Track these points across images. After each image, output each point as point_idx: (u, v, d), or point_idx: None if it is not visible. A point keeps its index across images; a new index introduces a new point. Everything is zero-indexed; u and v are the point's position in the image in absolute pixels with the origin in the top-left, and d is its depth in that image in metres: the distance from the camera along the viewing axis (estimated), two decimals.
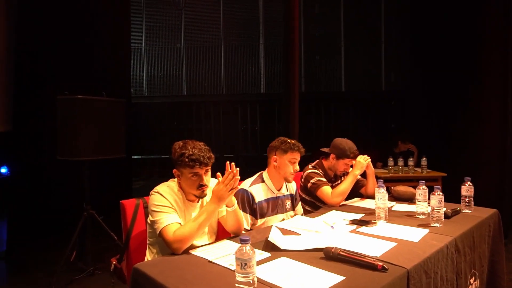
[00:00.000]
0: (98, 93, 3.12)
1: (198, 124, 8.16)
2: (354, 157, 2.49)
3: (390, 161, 4.03)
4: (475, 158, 4.04)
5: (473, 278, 1.86)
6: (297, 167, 2.16)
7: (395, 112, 7.51)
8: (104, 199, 3.35)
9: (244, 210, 2.03)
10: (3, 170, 5.76)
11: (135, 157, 7.45)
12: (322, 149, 2.64)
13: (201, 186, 1.69)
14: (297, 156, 2.14)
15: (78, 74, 3.98)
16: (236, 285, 1.06)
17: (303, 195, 2.54)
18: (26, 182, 3.75)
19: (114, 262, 1.86)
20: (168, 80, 8.26)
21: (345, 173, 2.62)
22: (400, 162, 4.04)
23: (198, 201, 1.80)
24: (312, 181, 2.43)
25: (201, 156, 1.64)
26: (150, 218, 1.64)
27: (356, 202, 2.55)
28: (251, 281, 1.04)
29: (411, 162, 4.02)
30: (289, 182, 2.22)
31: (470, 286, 1.82)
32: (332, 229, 1.81)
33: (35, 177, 3.75)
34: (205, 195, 1.73)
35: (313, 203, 2.50)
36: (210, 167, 1.72)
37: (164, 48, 8.07)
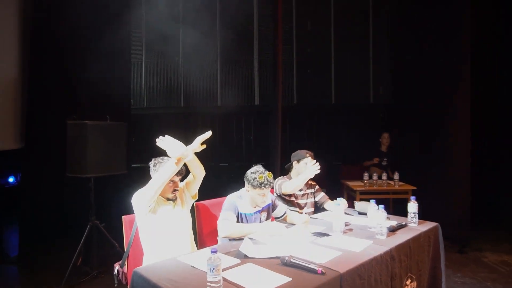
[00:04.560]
0: (102, 115, 3.59)
1: (194, 135, 8.55)
2: (311, 156, 3.00)
3: (366, 176, 4.46)
4: (444, 174, 4.48)
5: (409, 280, 2.28)
6: (267, 198, 2.54)
7: (383, 123, 7.92)
8: (107, 210, 3.78)
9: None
10: (11, 180, 6.25)
11: (135, 165, 7.86)
12: (285, 166, 3.13)
13: (175, 191, 2.25)
14: (266, 192, 2.47)
15: (83, 93, 4.45)
16: (207, 283, 1.48)
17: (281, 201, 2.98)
18: (37, 193, 4.17)
19: (117, 267, 2.28)
20: (166, 92, 8.66)
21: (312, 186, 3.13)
22: (375, 176, 4.47)
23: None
24: (278, 183, 2.96)
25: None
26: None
27: (325, 214, 2.99)
28: (217, 281, 1.46)
29: (384, 176, 4.45)
30: (260, 207, 2.58)
31: (406, 286, 2.24)
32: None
33: (45, 189, 4.18)
34: (176, 198, 2.30)
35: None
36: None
37: (163, 61, 8.48)
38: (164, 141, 2.05)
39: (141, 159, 8.32)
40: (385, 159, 4.78)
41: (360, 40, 8.19)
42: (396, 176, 4.41)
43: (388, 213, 3.22)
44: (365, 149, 5.60)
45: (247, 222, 2.52)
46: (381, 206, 2.34)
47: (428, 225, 2.57)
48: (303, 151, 3.05)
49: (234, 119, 8.55)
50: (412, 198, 2.59)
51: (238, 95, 8.45)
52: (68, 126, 3.34)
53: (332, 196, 3.08)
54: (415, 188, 4.36)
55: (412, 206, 2.58)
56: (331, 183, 5.19)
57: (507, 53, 4.87)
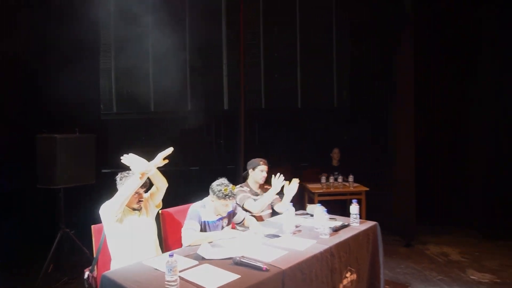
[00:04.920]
0: (71, 124, 3.77)
1: (164, 139, 8.69)
2: (265, 164, 3.28)
3: (323, 179, 4.83)
4: (392, 176, 4.94)
5: (349, 273, 2.62)
6: (230, 207, 2.78)
7: (346, 127, 8.36)
8: (78, 217, 3.95)
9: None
10: None
11: (106, 170, 7.92)
12: (243, 174, 3.41)
13: (140, 202, 2.48)
14: (229, 203, 2.71)
15: (51, 101, 4.57)
16: (165, 282, 1.74)
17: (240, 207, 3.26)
18: (7, 202, 4.26)
19: (87, 272, 2.49)
20: (136, 97, 8.74)
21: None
22: (331, 179, 4.85)
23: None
24: (239, 196, 3.19)
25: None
26: None
27: (279, 218, 3.29)
28: (174, 280, 1.73)
29: (340, 179, 4.84)
30: (222, 215, 2.82)
31: (346, 278, 2.59)
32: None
33: (16, 198, 4.28)
34: (141, 208, 2.52)
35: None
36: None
37: (132, 66, 8.55)
38: (128, 158, 2.28)
39: (111, 164, 8.40)
40: (336, 173, 5.08)
41: (324, 46, 8.61)
42: (351, 178, 4.80)
43: (345, 213, 3.58)
44: (329, 152, 5.98)
45: (210, 229, 2.78)
46: (325, 210, 2.67)
47: (368, 224, 2.93)
48: (257, 159, 3.34)
49: (204, 123, 8.76)
50: (354, 201, 2.95)
51: (208, 100, 8.66)
52: (37, 140, 3.48)
53: (296, 199, 3.35)
54: (368, 189, 4.77)
55: (354, 208, 2.93)
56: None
57: (447, 64, 5.40)
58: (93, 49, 5.84)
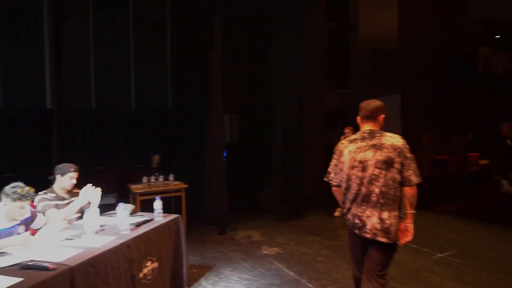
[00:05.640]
0: None
1: None
2: (75, 170, 3.25)
3: (144, 179, 5.06)
4: (207, 174, 5.57)
5: (150, 262, 2.94)
6: (27, 211, 2.71)
7: (179, 128, 8.75)
8: None
9: None
10: None
11: None
12: (49, 178, 3.31)
13: None
14: (25, 205, 2.63)
15: None
16: None
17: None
18: None
19: None
20: None
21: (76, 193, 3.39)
22: (153, 179, 5.12)
23: None
24: (41, 205, 3.11)
25: None
26: None
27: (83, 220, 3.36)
28: None
29: (161, 179, 5.17)
30: (18, 220, 2.72)
31: (146, 267, 2.90)
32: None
33: None
34: None
35: None
36: None
37: None
38: None
39: None
40: (156, 173, 5.39)
41: (158, 49, 8.78)
42: (171, 177, 5.19)
43: (168, 209, 3.86)
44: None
45: (1, 237, 2.66)
46: (127, 208, 2.92)
47: (170, 217, 3.32)
48: (68, 165, 3.26)
49: (21, 124, 7.76)
50: (157, 198, 3.29)
51: (28, 97, 7.71)
52: None
53: (121, 200, 3.42)
54: (187, 186, 5.23)
55: (157, 204, 3.27)
56: (125, 187, 5.62)
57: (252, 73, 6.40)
58: None
